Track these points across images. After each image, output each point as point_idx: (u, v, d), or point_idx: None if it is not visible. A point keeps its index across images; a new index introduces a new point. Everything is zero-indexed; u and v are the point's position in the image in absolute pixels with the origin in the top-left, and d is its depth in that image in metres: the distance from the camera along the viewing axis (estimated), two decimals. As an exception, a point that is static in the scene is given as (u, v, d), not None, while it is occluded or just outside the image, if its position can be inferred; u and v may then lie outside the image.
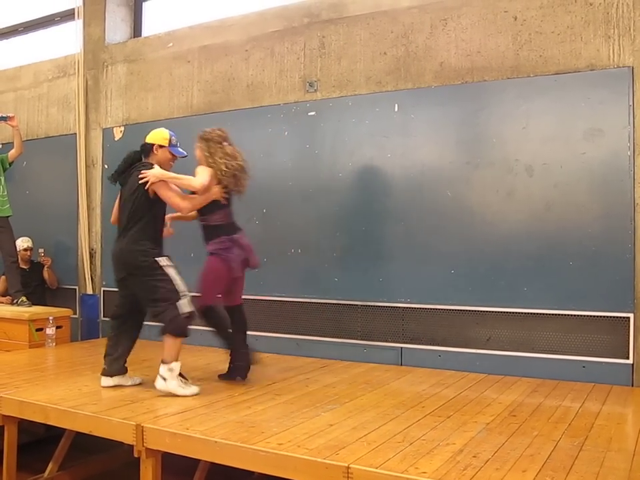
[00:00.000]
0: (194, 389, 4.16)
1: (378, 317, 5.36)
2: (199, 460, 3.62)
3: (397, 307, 5.27)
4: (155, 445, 3.40)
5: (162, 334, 4.14)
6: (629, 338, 4.49)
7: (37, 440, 4.70)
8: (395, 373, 4.93)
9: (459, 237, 5.06)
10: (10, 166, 6.62)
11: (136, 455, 3.44)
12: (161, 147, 4.33)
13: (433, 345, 5.14)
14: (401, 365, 5.21)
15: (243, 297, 4.70)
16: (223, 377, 4.59)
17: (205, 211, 4.44)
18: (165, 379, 4.11)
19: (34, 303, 6.42)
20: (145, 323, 4.45)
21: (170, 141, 4.36)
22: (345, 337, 5.49)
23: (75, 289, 7.19)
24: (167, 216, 4.50)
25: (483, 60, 5.03)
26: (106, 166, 6.97)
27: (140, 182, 4.16)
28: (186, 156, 4.41)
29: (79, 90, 7.16)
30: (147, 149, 4.35)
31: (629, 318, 4.49)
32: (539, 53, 4.83)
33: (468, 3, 5.09)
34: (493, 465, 2.87)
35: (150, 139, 4.37)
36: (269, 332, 5.80)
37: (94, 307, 6.99)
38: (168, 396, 4.08)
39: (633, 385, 4.46)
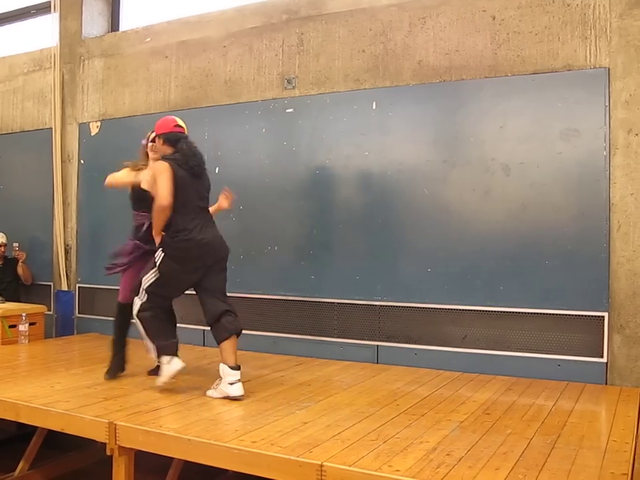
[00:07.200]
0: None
1: (354, 315, 5.35)
2: (173, 458, 3.59)
3: (373, 305, 5.27)
4: (127, 442, 3.38)
5: (237, 332, 4.16)
6: (603, 337, 4.52)
7: (8, 438, 4.66)
8: (370, 370, 4.93)
9: (436, 235, 5.06)
10: (-17, 160, 6.54)
11: (108, 453, 3.41)
12: None
13: (409, 343, 5.14)
14: (377, 362, 5.21)
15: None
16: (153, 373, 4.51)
17: None
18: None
19: (7, 299, 6.38)
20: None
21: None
22: (322, 335, 5.48)
23: (50, 285, 7.10)
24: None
25: (461, 59, 5.04)
26: (82, 161, 6.90)
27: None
28: None
29: (55, 84, 7.06)
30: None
31: (603, 317, 4.52)
32: (516, 53, 4.85)
33: (447, 1, 5.09)
34: (466, 462, 2.88)
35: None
36: (246, 329, 5.71)
37: (69, 304, 6.91)
38: (141, 393, 4.05)
39: (606, 383, 4.50)
